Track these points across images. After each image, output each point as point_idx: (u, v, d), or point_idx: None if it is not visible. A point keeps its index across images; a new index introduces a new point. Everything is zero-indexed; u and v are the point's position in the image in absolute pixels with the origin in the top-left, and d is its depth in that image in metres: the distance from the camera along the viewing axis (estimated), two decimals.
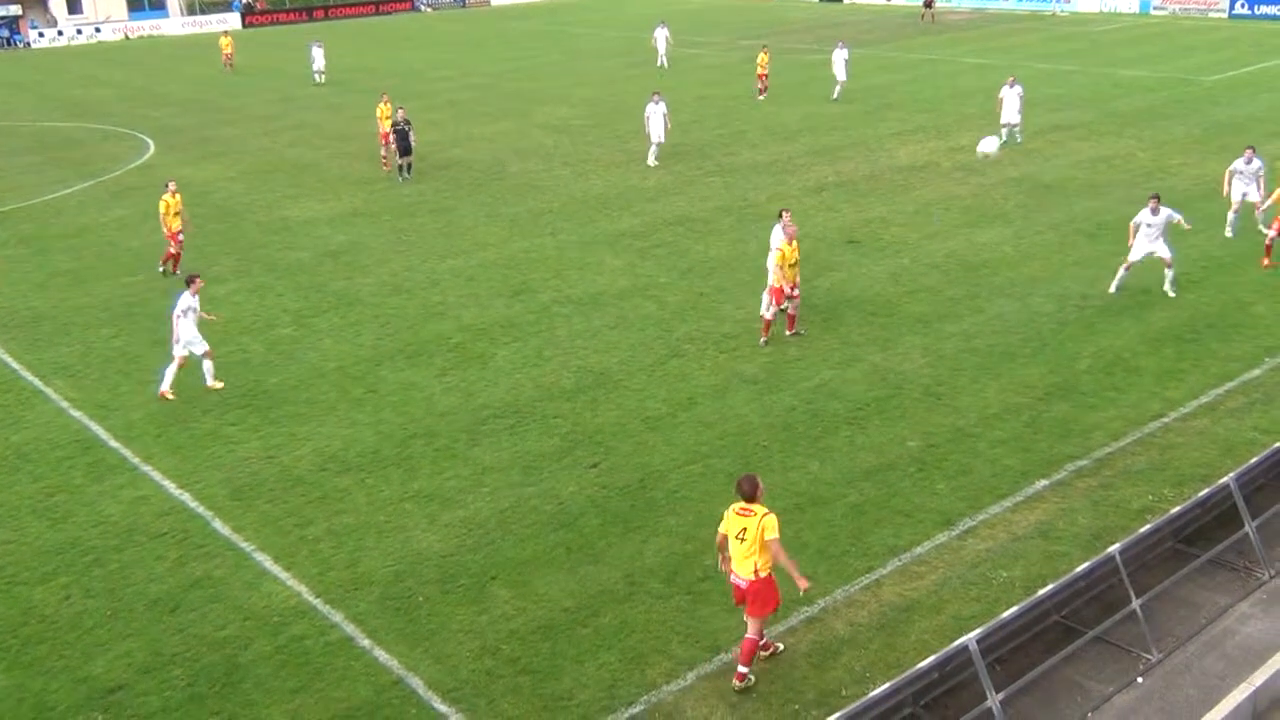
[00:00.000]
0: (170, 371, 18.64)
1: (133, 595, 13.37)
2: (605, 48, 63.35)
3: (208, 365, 18.80)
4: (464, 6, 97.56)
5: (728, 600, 11.79)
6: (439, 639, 12.34)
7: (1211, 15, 65.77)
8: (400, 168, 33.18)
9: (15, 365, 20.42)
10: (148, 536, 14.58)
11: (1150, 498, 14.40)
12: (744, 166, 33.01)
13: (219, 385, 18.89)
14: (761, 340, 19.69)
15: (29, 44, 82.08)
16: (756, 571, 11.06)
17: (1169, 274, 21.00)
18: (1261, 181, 23.84)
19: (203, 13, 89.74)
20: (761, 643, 11.55)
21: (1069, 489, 14.74)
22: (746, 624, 11.31)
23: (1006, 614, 11.23)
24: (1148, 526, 12.74)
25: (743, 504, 11.14)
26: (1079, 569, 11.91)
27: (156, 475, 16.17)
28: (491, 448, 16.54)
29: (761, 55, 44.73)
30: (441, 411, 17.82)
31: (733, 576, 11.32)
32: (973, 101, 41.79)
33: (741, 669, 11.34)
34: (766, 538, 10.96)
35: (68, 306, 23.48)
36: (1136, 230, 20.91)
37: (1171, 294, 20.96)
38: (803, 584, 11.03)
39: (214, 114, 47.43)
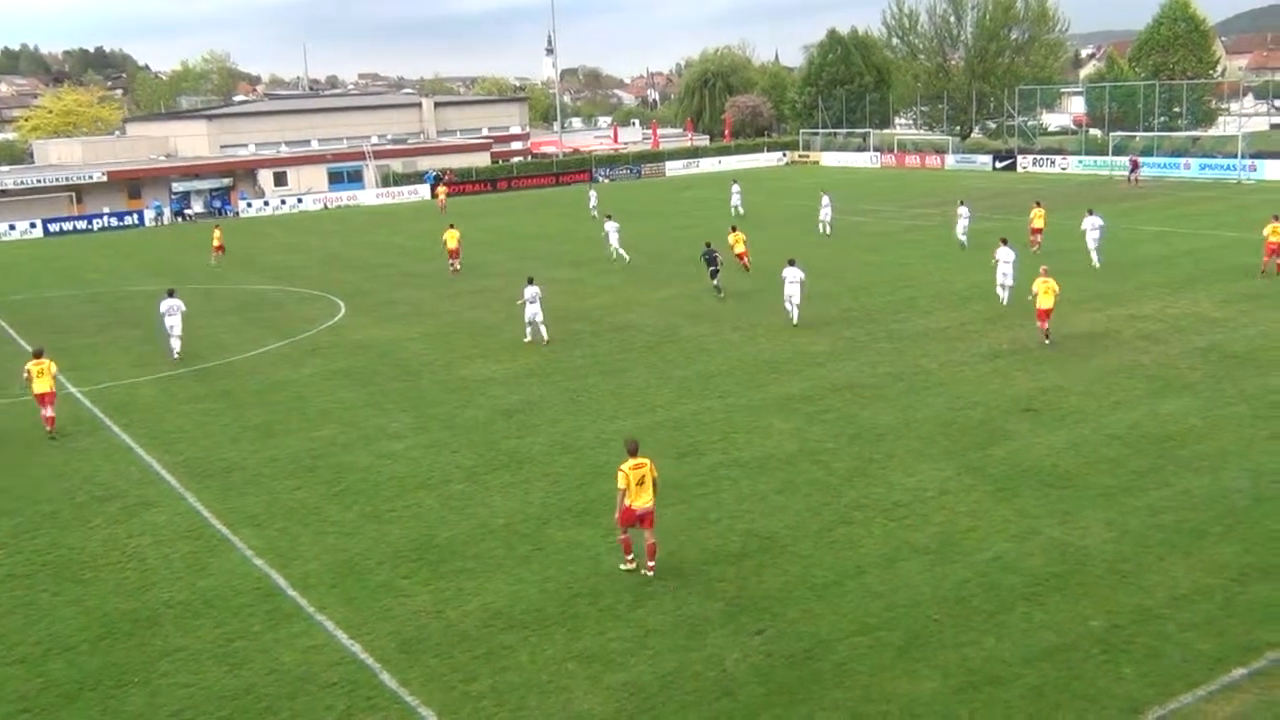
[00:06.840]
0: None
1: None
2: (773, 217, 64.50)
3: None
4: (639, 177, 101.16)
5: None
6: None
7: None
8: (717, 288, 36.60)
9: (206, 513, 21.42)
10: (318, 686, 14.87)
11: None
12: (914, 333, 32.80)
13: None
14: None
15: (237, 213, 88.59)
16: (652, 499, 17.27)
17: None
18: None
19: (395, 184, 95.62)
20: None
21: (1270, 679, 13.70)
22: (646, 536, 17.31)
23: None
24: None
25: (633, 461, 17.19)
26: None
27: (329, 625, 16.57)
28: (655, 609, 16.43)
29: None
30: (606, 571, 17.84)
31: (635, 509, 17.07)
32: (1152, 270, 40.81)
33: (652, 563, 17.41)
34: (656, 475, 17.37)
35: (257, 459, 24.64)
36: None
37: None
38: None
39: (401, 278, 49.95)
